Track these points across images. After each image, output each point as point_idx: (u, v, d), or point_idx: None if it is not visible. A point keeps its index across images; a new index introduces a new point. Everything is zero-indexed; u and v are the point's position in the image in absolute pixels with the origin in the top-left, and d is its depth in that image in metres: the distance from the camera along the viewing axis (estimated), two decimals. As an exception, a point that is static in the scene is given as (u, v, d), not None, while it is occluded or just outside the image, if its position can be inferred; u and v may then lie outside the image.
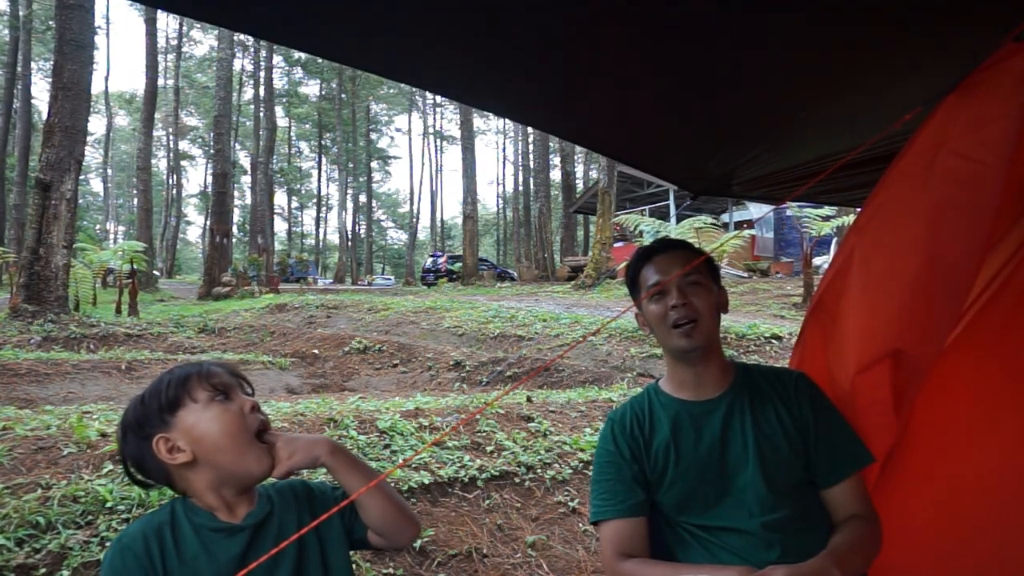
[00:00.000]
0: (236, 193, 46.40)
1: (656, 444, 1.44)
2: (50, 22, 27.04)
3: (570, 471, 3.45)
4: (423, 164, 58.89)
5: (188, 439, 1.06)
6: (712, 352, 1.45)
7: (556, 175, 39.51)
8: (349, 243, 46.38)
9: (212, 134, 25.39)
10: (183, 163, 50.90)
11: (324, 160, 51.71)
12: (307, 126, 51.41)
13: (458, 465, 3.22)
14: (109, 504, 2.35)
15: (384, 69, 1.52)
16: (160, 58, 33.74)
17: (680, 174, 2.26)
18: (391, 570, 2.46)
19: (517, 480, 3.27)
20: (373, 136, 51.48)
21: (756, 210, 21.03)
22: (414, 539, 1.24)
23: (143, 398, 1.09)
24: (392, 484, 2.89)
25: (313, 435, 1.16)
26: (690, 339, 1.40)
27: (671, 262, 1.44)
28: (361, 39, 1.28)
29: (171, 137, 42.72)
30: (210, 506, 1.09)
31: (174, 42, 40.44)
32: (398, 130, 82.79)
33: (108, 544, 2.16)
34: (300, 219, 61.44)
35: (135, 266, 13.98)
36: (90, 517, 2.30)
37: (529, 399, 4.57)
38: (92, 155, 49.25)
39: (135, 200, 30.54)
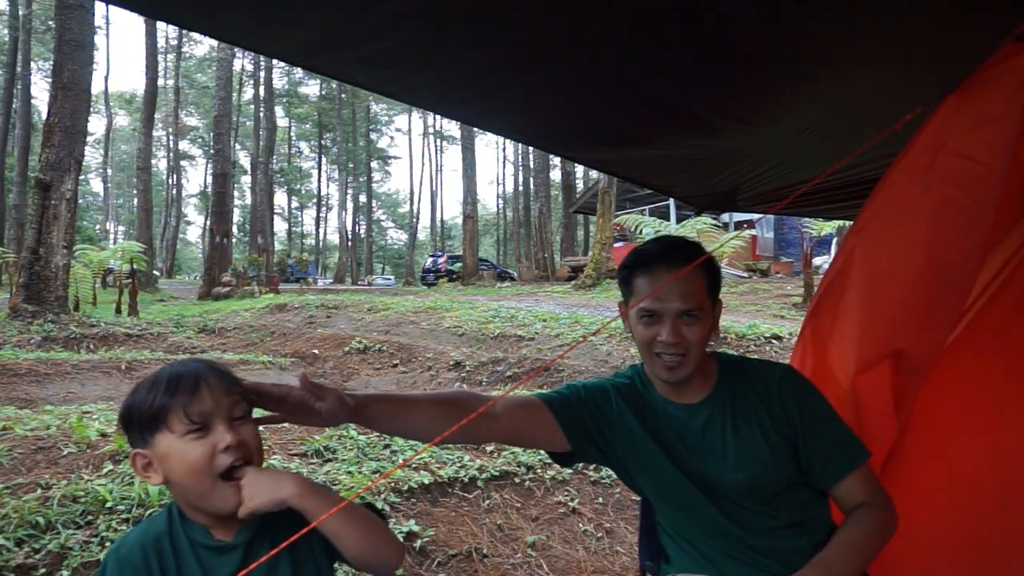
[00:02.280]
0: (236, 193, 46.43)
1: (636, 427, 1.40)
2: (50, 22, 27.05)
3: (570, 471, 3.44)
4: (423, 164, 58.97)
5: (161, 464, 1.04)
6: (693, 373, 1.36)
7: (556, 175, 39.50)
8: (349, 243, 46.38)
9: (212, 134, 25.40)
10: (183, 163, 50.95)
11: (324, 160, 51.74)
12: (307, 126, 51.42)
13: (458, 465, 3.22)
14: (109, 504, 2.35)
15: (384, 88, 1.50)
16: (160, 58, 33.76)
17: (686, 192, 2.26)
18: (391, 570, 2.46)
19: (517, 480, 3.27)
20: (373, 136, 51.50)
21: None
22: (397, 567, 1.16)
23: (130, 406, 1.05)
24: (392, 484, 2.89)
25: (283, 474, 1.07)
26: (674, 373, 1.33)
27: (670, 284, 1.30)
28: (358, 56, 1.28)
29: (171, 137, 42.72)
30: (200, 521, 1.06)
31: (174, 42, 40.43)
32: (398, 130, 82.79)
33: (108, 544, 2.17)
34: (300, 219, 61.48)
35: (135, 266, 13.98)
36: (90, 517, 2.30)
37: (529, 399, 4.56)
38: (92, 155, 49.33)
39: (135, 200, 30.53)
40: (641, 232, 14.20)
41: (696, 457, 1.36)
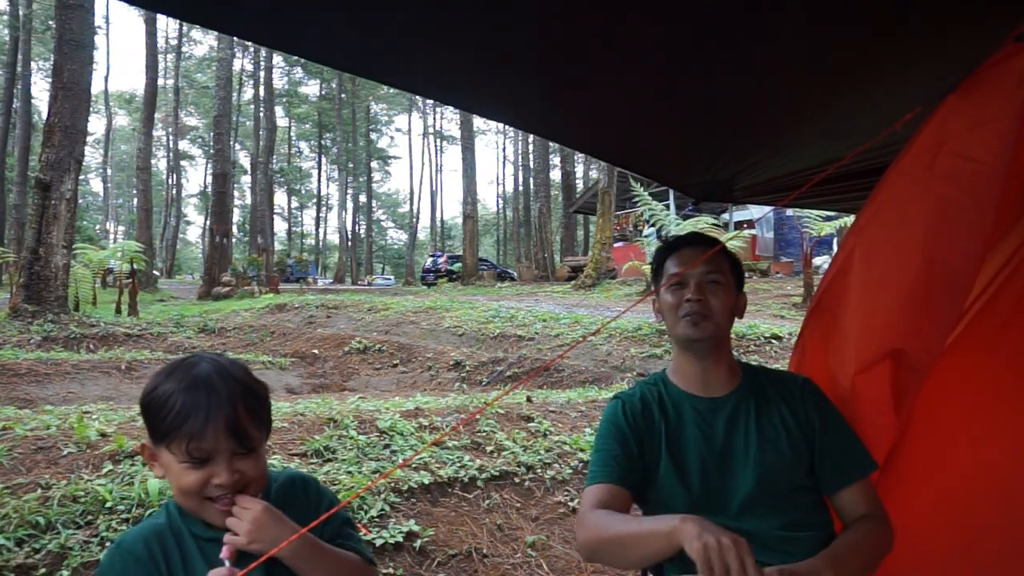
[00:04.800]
0: (236, 193, 46.46)
1: (662, 430, 1.43)
2: (50, 22, 27.06)
3: (570, 471, 3.45)
4: (423, 164, 58.98)
5: (161, 468, 1.06)
6: (721, 349, 1.45)
7: (556, 175, 39.54)
8: (349, 243, 46.38)
9: (212, 134, 25.41)
10: (183, 163, 50.97)
11: (324, 160, 51.74)
12: (307, 126, 51.42)
13: (458, 465, 3.22)
14: (109, 504, 2.35)
15: (379, 74, 1.51)
16: (160, 58, 33.72)
17: (682, 179, 2.25)
18: (391, 570, 2.46)
19: (517, 480, 3.27)
20: (373, 136, 51.49)
21: (756, 210, 20.98)
22: None
23: (146, 402, 1.05)
24: (392, 484, 2.89)
25: (288, 527, 1.03)
26: (696, 328, 1.41)
27: (695, 255, 1.45)
28: (360, 46, 1.28)
29: (171, 137, 42.73)
30: (199, 514, 1.08)
31: (174, 42, 40.46)
32: (398, 130, 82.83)
33: (108, 544, 2.16)
34: (300, 219, 61.47)
35: (135, 266, 13.98)
36: (90, 517, 2.30)
37: (529, 399, 4.57)
38: (92, 155, 49.34)
39: (135, 200, 30.51)
40: (643, 230, 14.21)
41: (719, 449, 1.39)
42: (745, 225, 20.72)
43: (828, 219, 11.66)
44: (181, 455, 1.00)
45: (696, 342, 1.43)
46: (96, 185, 56.11)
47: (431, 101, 50.58)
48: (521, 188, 42.99)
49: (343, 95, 42.26)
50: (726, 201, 2.41)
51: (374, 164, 51.85)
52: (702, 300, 1.41)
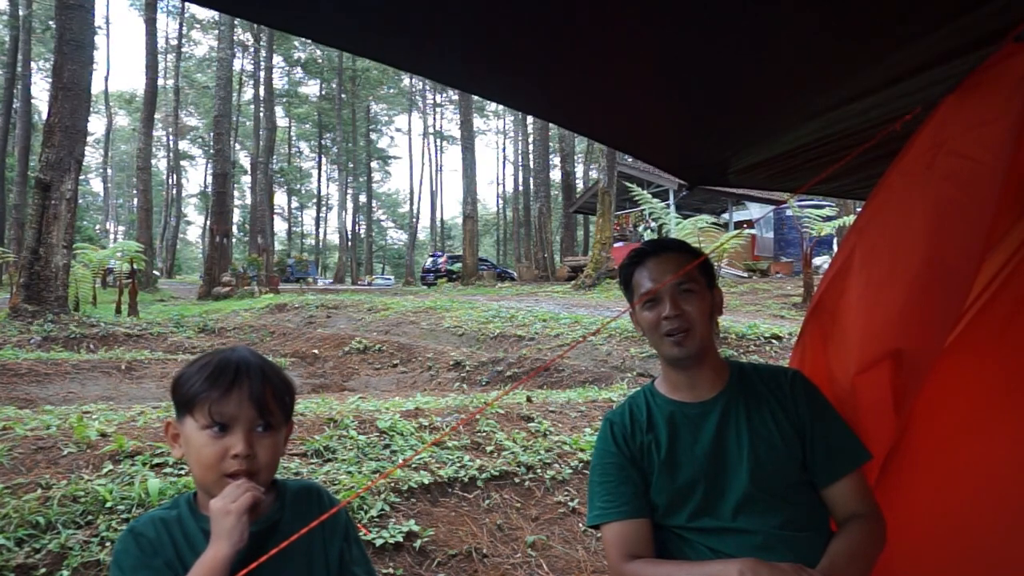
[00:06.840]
0: (236, 193, 46.43)
1: (653, 445, 1.43)
2: (50, 22, 27.07)
3: (570, 471, 3.45)
4: (423, 164, 58.87)
5: (183, 443, 1.09)
6: (705, 356, 1.43)
7: (556, 175, 39.52)
8: (349, 243, 46.39)
9: (212, 134, 25.42)
10: (183, 163, 50.98)
11: (324, 160, 51.73)
12: (307, 126, 51.43)
13: (458, 465, 3.22)
14: (109, 504, 2.35)
15: (382, 55, 1.51)
16: (160, 58, 33.70)
17: (676, 161, 2.24)
18: (391, 570, 2.46)
19: (517, 480, 3.27)
20: (373, 136, 51.50)
21: (756, 210, 21.03)
22: None
23: (179, 377, 1.09)
24: (392, 484, 2.89)
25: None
26: (682, 348, 1.39)
27: (664, 267, 1.42)
28: (362, 26, 1.28)
29: (171, 137, 42.74)
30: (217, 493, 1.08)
31: (174, 42, 40.44)
32: (398, 130, 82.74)
33: (108, 544, 2.17)
34: (300, 219, 61.49)
35: (135, 266, 13.99)
36: (90, 517, 2.30)
37: (529, 399, 4.57)
38: (92, 155, 49.38)
39: (135, 200, 30.53)
40: (643, 228, 14.22)
41: (712, 451, 1.39)
42: (745, 225, 20.73)
43: (828, 219, 11.68)
44: (204, 418, 1.03)
45: (684, 360, 1.42)
46: (96, 185, 56.19)
47: (431, 101, 50.66)
48: (521, 188, 42.99)
49: (343, 95, 42.25)
50: (720, 185, 2.40)
51: (374, 164, 51.86)
52: (680, 315, 1.38)
